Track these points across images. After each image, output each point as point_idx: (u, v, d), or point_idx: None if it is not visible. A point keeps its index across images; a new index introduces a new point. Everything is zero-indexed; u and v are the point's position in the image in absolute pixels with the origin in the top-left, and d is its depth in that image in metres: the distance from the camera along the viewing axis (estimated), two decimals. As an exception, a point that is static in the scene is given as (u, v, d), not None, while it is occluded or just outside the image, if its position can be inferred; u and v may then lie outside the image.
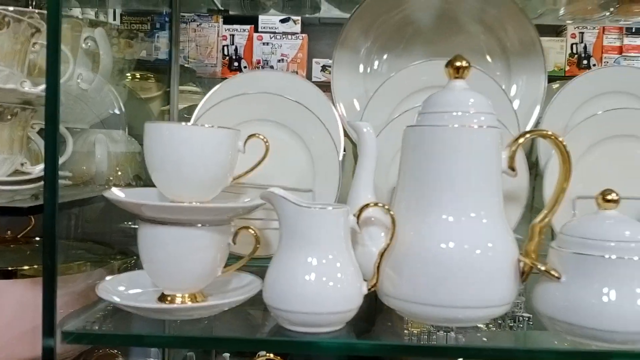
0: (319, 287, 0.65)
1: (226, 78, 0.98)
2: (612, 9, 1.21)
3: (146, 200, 0.67)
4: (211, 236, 0.69)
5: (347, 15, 1.00)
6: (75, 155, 0.88)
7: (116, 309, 0.72)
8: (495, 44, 1.01)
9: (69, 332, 0.65)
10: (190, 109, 1.14)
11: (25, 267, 0.78)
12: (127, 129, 0.97)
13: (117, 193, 0.71)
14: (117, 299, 0.69)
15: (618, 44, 2.83)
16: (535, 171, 0.96)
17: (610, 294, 0.63)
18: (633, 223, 0.66)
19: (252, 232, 0.72)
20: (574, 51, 2.80)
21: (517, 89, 1.00)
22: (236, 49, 2.94)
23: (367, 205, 0.69)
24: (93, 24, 0.83)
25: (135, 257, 0.81)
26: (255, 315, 0.77)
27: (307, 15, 1.34)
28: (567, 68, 2.78)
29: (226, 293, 0.76)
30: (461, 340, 0.70)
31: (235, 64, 2.93)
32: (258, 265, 0.77)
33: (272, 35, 2.94)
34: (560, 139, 0.69)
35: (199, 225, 0.68)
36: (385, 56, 1.03)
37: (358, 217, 0.69)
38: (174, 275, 0.70)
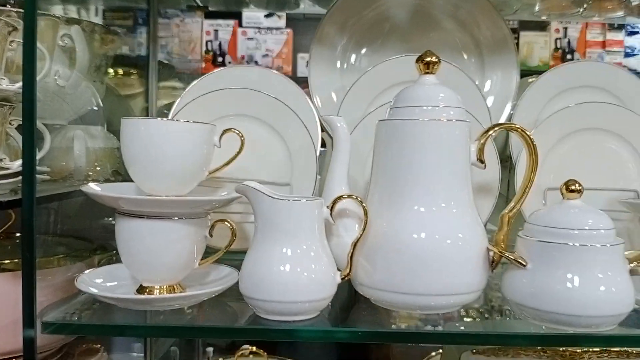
0: (293, 276, 0.67)
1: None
2: (585, 5, 1.23)
3: (124, 194, 0.69)
4: (187, 228, 0.71)
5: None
6: (54, 151, 0.89)
7: (96, 302, 0.73)
8: (469, 40, 1.03)
9: (49, 323, 0.67)
10: (172, 105, 1.15)
11: (6, 261, 0.80)
12: (105, 125, 0.98)
13: (94, 187, 0.73)
14: (95, 291, 0.70)
15: (601, 39, 2.87)
16: (509, 164, 0.98)
17: (574, 280, 0.65)
18: (596, 212, 0.69)
19: (228, 224, 0.74)
20: (558, 46, 2.84)
21: (492, 84, 1.02)
22: (220, 45, 2.94)
23: (340, 197, 0.71)
24: (70, 21, 0.83)
25: (115, 252, 0.83)
26: (236, 306, 0.78)
27: (290, 11, 1.35)
28: (552, 62, 2.82)
29: (205, 285, 0.77)
30: (438, 327, 0.72)
31: (220, 59, 2.93)
32: (239, 259, 0.79)
33: (256, 30, 2.94)
34: (528, 132, 0.72)
35: (176, 218, 0.70)
36: (362, 51, 1.05)
37: (331, 208, 0.71)
38: (151, 266, 0.71)
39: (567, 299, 0.65)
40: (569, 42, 2.89)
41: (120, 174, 0.95)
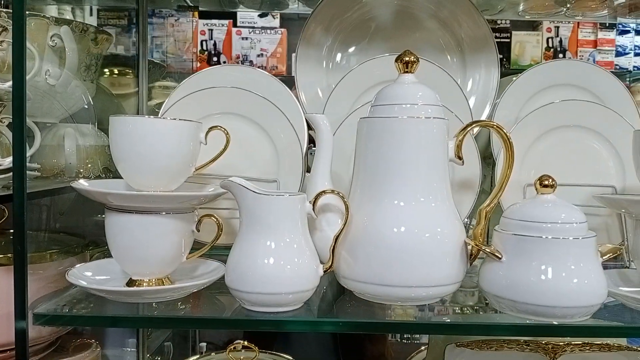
0: (276, 269, 0.69)
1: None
2: (568, 5, 1.26)
3: (112, 189, 0.71)
4: (175, 223, 0.73)
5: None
6: (46, 149, 0.91)
7: (87, 295, 0.75)
8: (451, 39, 1.05)
9: (40, 315, 0.69)
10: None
11: (0, 256, 0.81)
12: (96, 124, 1.01)
13: (83, 183, 0.75)
14: (84, 283, 0.73)
15: (592, 37, 2.89)
16: (493, 161, 1.01)
17: (547, 272, 0.67)
18: (568, 206, 0.71)
19: (215, 219, 0.76)
20: (550, 45, 2.86)
21: (473, 83, 1.05)
22: (215, 44, 2.96)
23: (322, 192, 0.73)
24: (59, 22, 0.85)
25: (106, 247, 0.85)
26: (225, 299, 0.80)
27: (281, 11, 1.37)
28: (544, 62, 2.83)
29: (194, 279, 0.79)
30: (425, 317, 0.74)
31: (215, 59, 2.94)
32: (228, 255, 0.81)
33: (251, 30, 2.95)
34: (504, 129, 0.74)
35: (163, 212, 0.72)
36: (348, 51, 1.07)
37: (314, 203, 0.73)
38: (140, 260, 0.73)
39: (541, 291, 0.67)
40: (560, 42, 2.90)
41: (111, 171, 0.97)
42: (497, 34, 2.67)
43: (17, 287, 0.67)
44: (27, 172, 0.67)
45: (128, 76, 1.33)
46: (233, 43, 2.95)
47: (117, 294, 0.73)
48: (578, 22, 2.86)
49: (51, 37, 0.84)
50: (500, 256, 0.70)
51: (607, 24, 2.83)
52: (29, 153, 0.80)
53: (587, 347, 0.96)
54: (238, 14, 2.91)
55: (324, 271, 0.73)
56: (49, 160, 0.92)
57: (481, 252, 0.72)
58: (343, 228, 0.72)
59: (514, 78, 1.03)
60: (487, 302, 0.76)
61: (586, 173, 0.94)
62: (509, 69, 2.61)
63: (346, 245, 0.73)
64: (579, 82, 0.99)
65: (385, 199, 0.72)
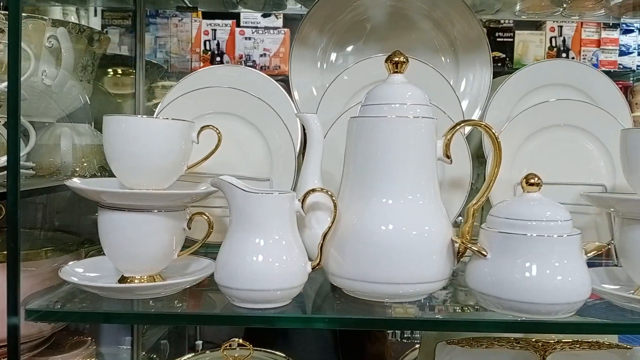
0: (265, 266, 0.70)
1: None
2: (565, 5, 1.26)
3: (106, 188, 0.72)
4: (166, 221, 0.74)
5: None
6: (42, 148, 0.93)
7: (80, 291, 0.77)
8: (445, 39, 1.06)
9: (33, 310, 0.70)
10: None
11: (-6, 254, 0.83)
12: (93, 123, 1.02)
13: (77, 182, 0.76)
14: (75, 280, 0.74)
15: (596, 37, 2.88)
16: (485, 160, 1.01)
17: (532, 269, 0.68)
18: (553, 204, 0.72)
19: (206, 217, 0.77)
20: (553, 44, 2.85)
21: (467, 83, 1.05)
22: (218, 44, 2.97)
23: (311, 191, 0.74)
24: (56, 23, 0.87)
25: (100, 245, 0.86)
26: (216, 297, 0.81)
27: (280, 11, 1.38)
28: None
29: (185, 276, 0.81)
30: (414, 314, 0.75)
31: (218, 58, 2.96)
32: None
33: (254, 30, 2.97)
34: (492, 129, 0.75)
35: (155, 210, 0.73)
36: (342, 51, 1.08)
37: (303, 201, 0.74)
38: (132, 257, 0.75)
39: (525, 288, 0.68)
40: (564, 41, 2.90)
41: (106, 170, 0.98)
42: (500, 34, 2.67)
43: (10, 283, 0.68)
44: (22, 170, 0.68)
45: (130, 76, 1.35)
46: (236, 43, 2.96)
47: (108, 290, 0.75)
48: (582, 22, 2.86)
49: (48, 39, 0.85)
50: (485, 254, 0.71)
51: (611, 24, 2.83)
52: (24, 152, 0.81)
53: (578, 345, 0.96)
54: (241, 14, 2.93)
55: (312, 268, 0.74)
56: (46, 159, 0.94)
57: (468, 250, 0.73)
58: (331, 226, 0.74)
59: (507, 78, 1.03)
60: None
61: (577, 172, 0.94)
62: (512, 68, 2.60)
63: (335, 242, 0.74)
64: (570, 82, 0.99)
65: (373, 197, 0.73)
